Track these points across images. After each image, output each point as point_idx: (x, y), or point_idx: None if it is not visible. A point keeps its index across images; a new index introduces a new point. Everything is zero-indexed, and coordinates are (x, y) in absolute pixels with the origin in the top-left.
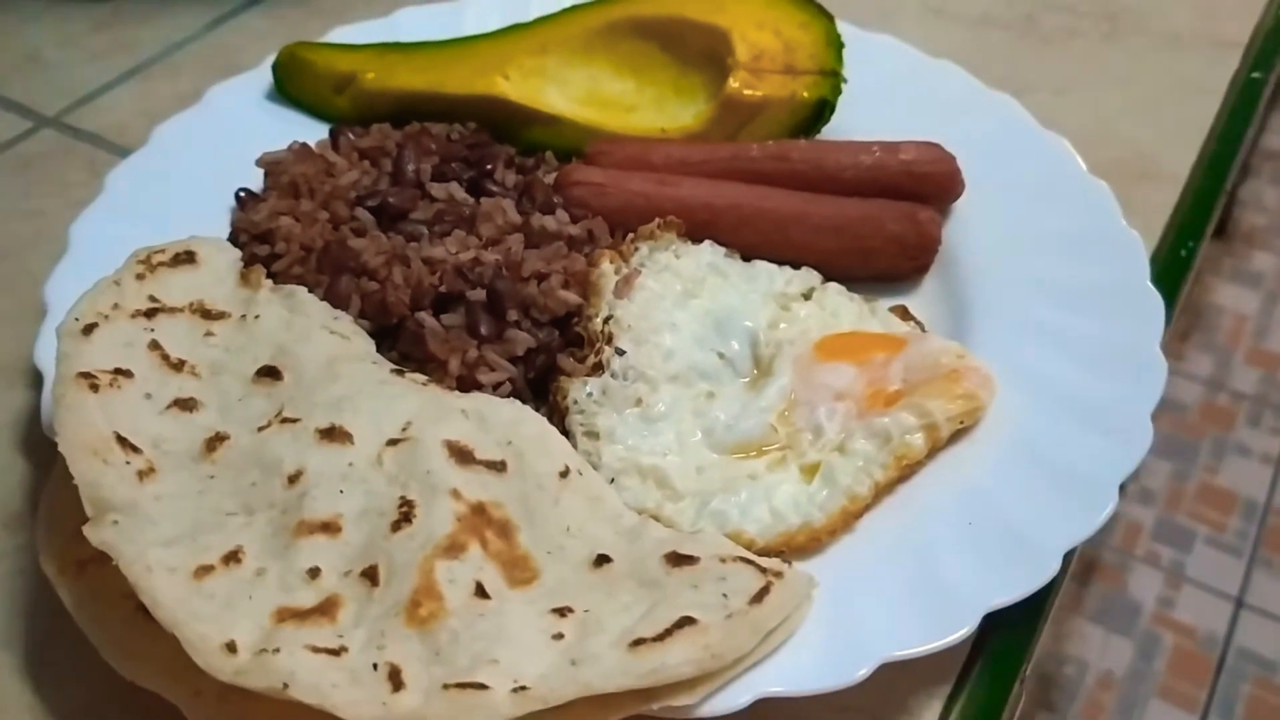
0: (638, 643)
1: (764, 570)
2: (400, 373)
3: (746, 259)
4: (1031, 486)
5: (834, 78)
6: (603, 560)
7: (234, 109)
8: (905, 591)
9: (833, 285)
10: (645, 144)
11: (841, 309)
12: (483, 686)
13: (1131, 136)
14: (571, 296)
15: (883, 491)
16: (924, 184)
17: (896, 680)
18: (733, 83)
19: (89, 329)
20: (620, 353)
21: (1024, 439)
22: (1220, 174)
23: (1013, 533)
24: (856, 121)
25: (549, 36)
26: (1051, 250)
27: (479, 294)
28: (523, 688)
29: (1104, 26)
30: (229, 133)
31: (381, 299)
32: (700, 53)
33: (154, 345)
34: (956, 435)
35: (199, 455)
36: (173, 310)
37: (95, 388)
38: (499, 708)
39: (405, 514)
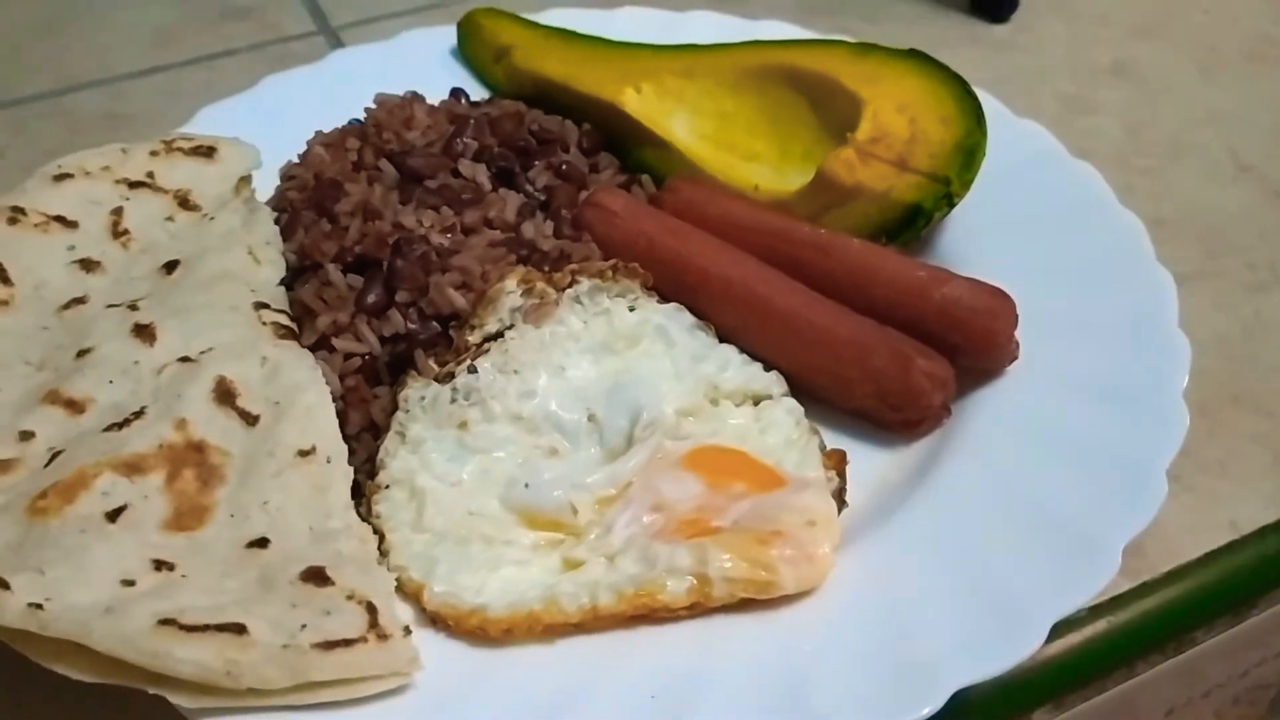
0: (167, 622)
1: (374, 626)
2: (261, 307)
3: (725, 339)
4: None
5: (943, 186)
6: (260, 544)
7: (414, 54)
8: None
9: (787, 402)
10: (714, 194)
11: (775, 428)
12: (5, 586)
13: None
14: (458, 299)
15: (603, 620)
16: (955, 331)
17: None
18: (833, 160)
19: (61, 178)
20: (471, 371)
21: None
22: None
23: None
24: (981, 242)
25: (700, 62)
26: (1056, 462)
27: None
28: (38, 606)
29: None
30: (397, 72)
31: (303, 241)
32: (840, 119)
33: (116, 211)
34: None
35: (58, 309)
36: (159, 190)
37: (14, 222)
38: (1, 612)
39: (128, 420)
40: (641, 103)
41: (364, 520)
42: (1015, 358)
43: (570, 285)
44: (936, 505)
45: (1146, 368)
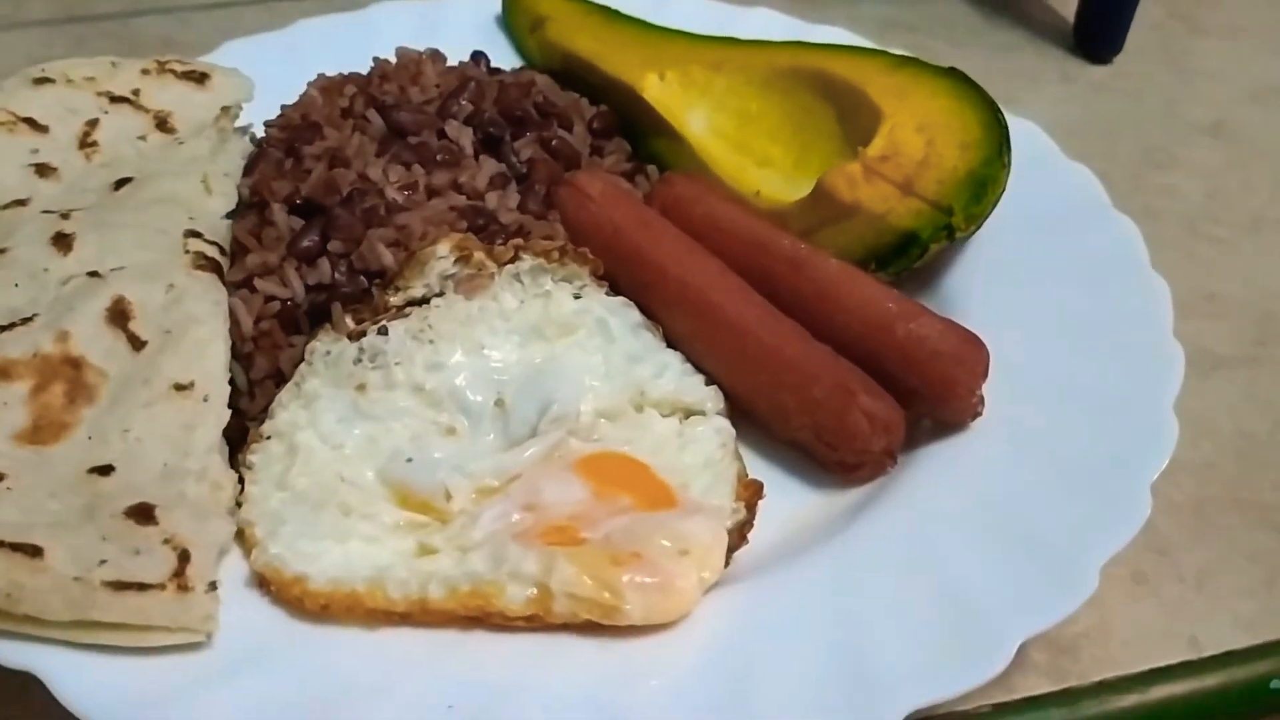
0: None
1: (178, 575)
2: (192, 235)
3: (673, 345)
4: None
5: (945, 217)
6: (103, 471)
7: (457, 15)
8: None
9: (718, 421)
10: (704, 193)
11: (696, 446)
12: None
13: None
14: (387, 256)
15: (434, 615)
16: (914, 373)
17: None
18: (835, 174)
19: (42, 81)
20: (381, 333)
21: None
22: None
23: None
24: (985, 285)
25: (730, 56)
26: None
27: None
28: None
29: None
30: (434, 31)
31: (257, 177)
32: (862, 132)
33: (91, 123)
34: None
35: None
36: (141, 108)
37: None
38: None
39: (12, 325)
40: (662, 91)
41: (235, 468)
42: (978, 413)
43: (512, 261)
44: (835, 560)
45: (1122, 448)
